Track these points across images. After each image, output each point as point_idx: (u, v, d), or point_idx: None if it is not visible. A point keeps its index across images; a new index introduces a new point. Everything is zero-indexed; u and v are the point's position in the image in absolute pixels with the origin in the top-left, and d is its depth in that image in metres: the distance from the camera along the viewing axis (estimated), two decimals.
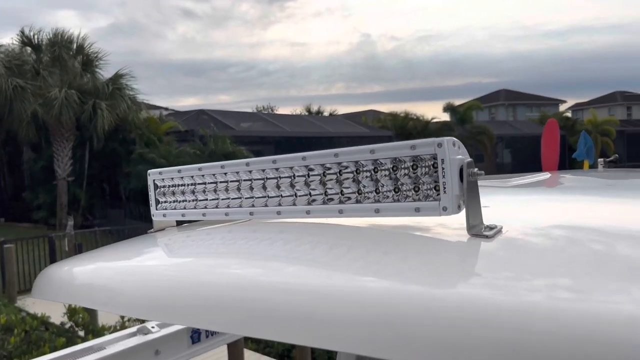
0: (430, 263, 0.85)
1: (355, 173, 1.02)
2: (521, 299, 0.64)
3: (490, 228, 0.91)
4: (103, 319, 8.01)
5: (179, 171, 1.36)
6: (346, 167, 1.03)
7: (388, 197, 0.98)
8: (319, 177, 1.08)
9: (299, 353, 6.54)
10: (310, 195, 1.10)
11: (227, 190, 1.26)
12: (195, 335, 2.54)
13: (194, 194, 1.34)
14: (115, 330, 6.49)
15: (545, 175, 2.02)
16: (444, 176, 0.91)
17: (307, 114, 38.49)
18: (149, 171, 1.44)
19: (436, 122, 33.88)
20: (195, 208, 1.34)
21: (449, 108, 35.04)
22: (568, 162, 7.50)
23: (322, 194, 1.08)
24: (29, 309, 8.89)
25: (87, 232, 15.96)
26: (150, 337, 2.41)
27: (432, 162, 0.92)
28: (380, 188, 0.99)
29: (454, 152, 0.91)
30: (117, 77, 20.78)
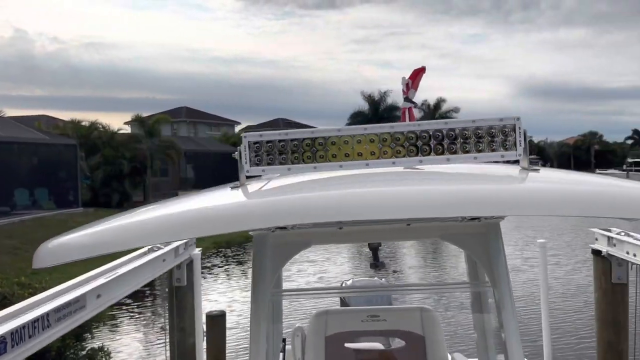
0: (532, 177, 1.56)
1: (455, 136, 1.56)
2: (588, 187, 1.58)
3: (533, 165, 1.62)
4: None
5: (287, 134, 1.55)
6: (453, 130, 1.55)
7: (480, 149, 1.57)
8: (427, 138, 1.55)
9: None
10: (421, 151, 1.55)
11: (339, 148, 1.52)
12: (2, 346, 2.33)
13: (301, 153, 1.55)
14: None
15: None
16: (520, 135, 1.55)
17: None
18: (244, 133, 1.60)
19: (122, 134, 32.76)
20: (302, 163, 1.55)
21: (137, 120, 34.20)
22: None
23: (430, 149, 1.55)
24: None
25: None
26: None
27: (506, 130, 1.56)
28: (474, 144, 1.56)
29: (523, 124, 1.55)
30: None
